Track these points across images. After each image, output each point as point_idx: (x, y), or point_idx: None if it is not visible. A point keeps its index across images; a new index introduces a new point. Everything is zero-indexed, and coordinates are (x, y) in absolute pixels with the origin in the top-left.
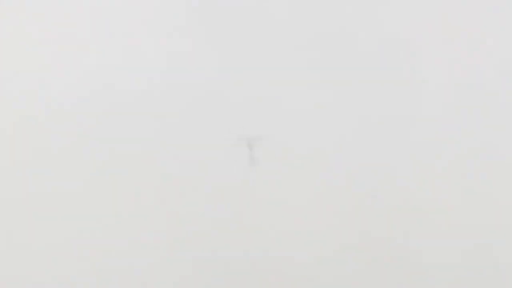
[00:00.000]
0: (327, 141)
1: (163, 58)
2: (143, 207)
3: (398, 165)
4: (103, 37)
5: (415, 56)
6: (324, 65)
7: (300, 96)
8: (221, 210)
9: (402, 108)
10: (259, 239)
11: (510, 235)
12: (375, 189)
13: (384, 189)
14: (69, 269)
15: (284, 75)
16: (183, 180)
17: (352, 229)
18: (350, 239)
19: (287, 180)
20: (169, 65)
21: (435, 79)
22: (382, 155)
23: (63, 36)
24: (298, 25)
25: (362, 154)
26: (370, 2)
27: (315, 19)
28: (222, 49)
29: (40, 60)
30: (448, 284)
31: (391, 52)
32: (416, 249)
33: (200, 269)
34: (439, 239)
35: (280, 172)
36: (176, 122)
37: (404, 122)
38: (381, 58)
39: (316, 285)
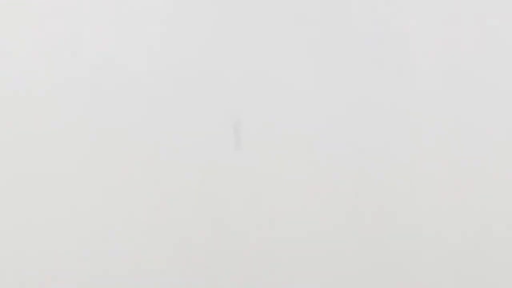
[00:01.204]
0: (316, 126)
1: (156, 40)
2: (132, 188)
3: (387, 149)
4: (102, 14)
5: (407, 43)
6: (316, 50)
7: (290, 79)
8: (207, 192)
9: (392, 93)
10: (246, 222)
11: (505, 227)
12: (365, 172)
13: (374, 172)
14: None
15: (274, 59)
16: (171, 158)
17: (341, 212)
18: (339, 221)
19: (274, 164)
20: (160, 47)
21: (426, 65)
22: (372, 140)
23: (61, 12)
24: (289, 11)
25: (352, 138)
26: None
27: (307, 6)
28: (213, 32)
29: (39, 36)
30: (440, 262)
31: (383, 38)
32: (406, 226)
33: (187, 251)
34: (428, 217)
35: (267, 155)
36: (168, 103)
37: (394, 107)
38: (373, 45)
39: (305, 266)
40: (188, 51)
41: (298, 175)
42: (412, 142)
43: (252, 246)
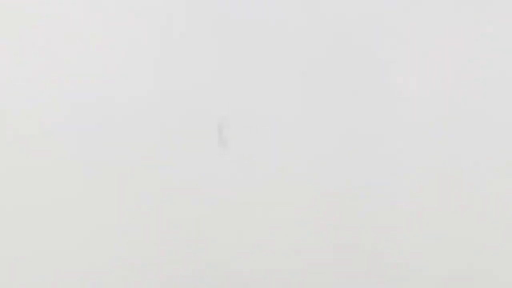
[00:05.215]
0: (307, 160)
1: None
2: (129, 220)
3: (379, 182)
4: (84, 51)
5: (398, 76)
6: (307, 85)
7: (281, 113)
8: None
9: (384, 126)
10: (231, 225)
11: (500, 246)
12: (355, 205)
13: (364, 206)
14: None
15: (266, 92)
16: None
17: (331, 244)
18: (329, 253)
19: (266, 199)
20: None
21: (413, 90)
22: (363, 173)
23: (59, 47)
24: (281, 47)
25: (343, 171)
26: (352, 15)
27: (298, 40)
28: (207, 67)
29: (34, 71)
30: None
31: (368, 62)
32: (402, 258)
33: (171, 258)
34: (422, 247)
35: (252, 156)
36: (161, 123)
37: (385, 140)
38: (364, 78)
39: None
40: (183, 85)
41: (289, 207)
42: (404, 175)
43: (240, 277)
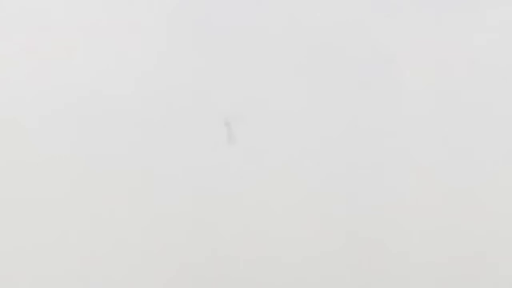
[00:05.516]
0: (307, 152)
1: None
2: (124, 213)
3: (378, 173)
4: (90, 43)
5: (398, 66)
6: (306, 75)
7: (280, 103)
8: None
9: (383, 116)
10: (237, 219)
11: (497, 240)
12: (356, 195)
13: (365, 195)
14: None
15: (265, 83)
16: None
17: (332, 235)
18: (331, 244)
19: (266, 192)
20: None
21: (417, 89)
22: (364, 163)
23: (48, 42)
24: (279, 36)
25: (343, 162)
26: (354, 11)
27: (302, 24)
28: (204, 56)
29: (26, 66)
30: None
31: (374, 62)
32: (403, 250)
33: (177, 255)
34: (424, 242)
35: (260, 152)
36: (163, 116)
37: (384, 131)
38: (364, 68)
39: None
40: (177, 76)
41: (289, 200)
42: (408, 169)
43: (243, 270)
